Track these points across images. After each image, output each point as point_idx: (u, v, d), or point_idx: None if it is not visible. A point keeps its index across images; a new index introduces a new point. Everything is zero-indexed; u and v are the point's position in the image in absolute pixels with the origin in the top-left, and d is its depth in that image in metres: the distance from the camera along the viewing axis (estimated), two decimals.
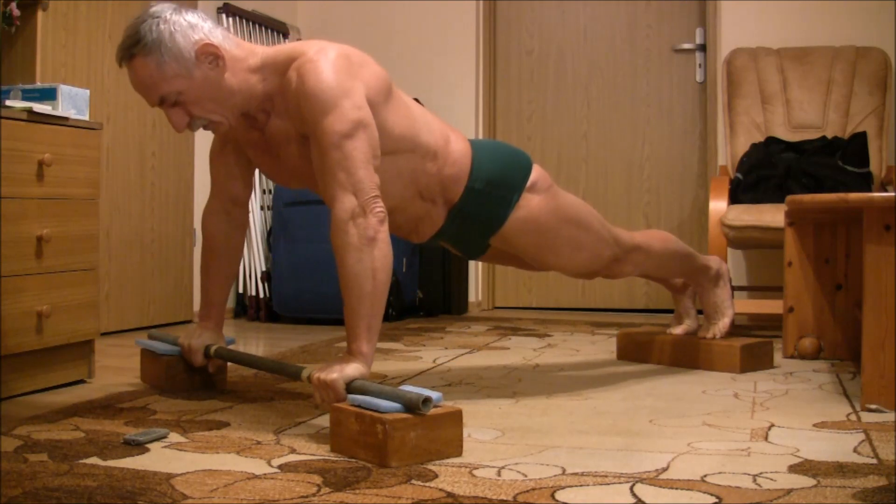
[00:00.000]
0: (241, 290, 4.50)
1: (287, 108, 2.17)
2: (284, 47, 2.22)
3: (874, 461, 1.78)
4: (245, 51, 2.21)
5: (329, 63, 2.10)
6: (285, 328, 4.11)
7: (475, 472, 1.71)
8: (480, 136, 4.83)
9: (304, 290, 4.18)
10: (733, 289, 4.10)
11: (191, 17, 2.14)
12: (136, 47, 2.10)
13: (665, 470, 1.73)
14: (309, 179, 2.25)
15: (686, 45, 4.74)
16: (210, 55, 2.13)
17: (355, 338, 2.04)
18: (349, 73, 2.12)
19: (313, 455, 1.83)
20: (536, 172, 2.45)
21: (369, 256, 2.03)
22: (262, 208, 4.52)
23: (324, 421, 2.09)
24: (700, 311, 2.99)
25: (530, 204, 2.41)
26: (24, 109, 2.42)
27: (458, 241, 2.52)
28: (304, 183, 2.33)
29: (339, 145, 2.05)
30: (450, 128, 2.42)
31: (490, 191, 2.38)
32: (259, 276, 4.41)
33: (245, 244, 2.58)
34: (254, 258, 4.44)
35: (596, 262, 2.58)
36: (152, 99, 2.17)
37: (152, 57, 2.10)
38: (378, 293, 2.05)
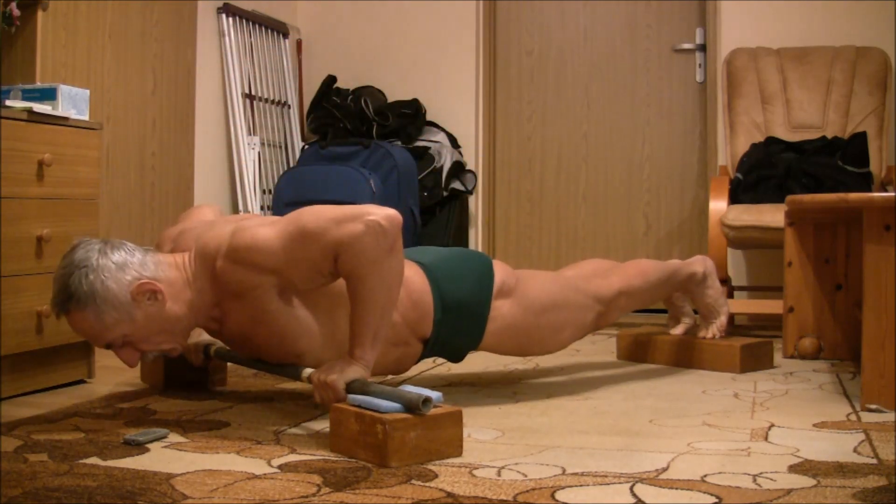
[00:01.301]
0: None
1: (240, 297, 2.05)
2: (198, 250, 2.10)
3: (874, 461, 1.78)
4: (179, 269, 2.10)
5: (241, 228, 2.04)
6: None
7: (475, 472, 1.71)
8: (480, 137, 4.84)
9: None
10: (733, 289, 4.11)
11: (118, 257, 2.02)
12: (69, 303, 1.99)
13: (665, 470, 1.73)
14: (284, 354, 2.16)
15: (686, 45, 4.74)
16: (147, 292, 2.02)
17: (360, 344, 2.03)
18: (262, 221, 2.09)
19: (313, 455, 1.83)
20: (499, 274, 2.41)
21: (388, 269, 2.00)
22: (262, 208, 4.52)
23: (324, 421, 2.09)
24: (695, 311, 2.99)
25: (502, 311, 2.39)
26: (24, 109, 2.42)
27: (443, 356, 2.47)
28: (279, 358, 2.19)
29: (312, 214, 2.00)
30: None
31: (460, 315, 2.33)
32: None
33: None
34: None
35: (581, 331, 2.59)
36: (99, 344, 2.09)
37: (89, 309, 1.99)
38: (390, 306, 2.05)
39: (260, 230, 2.02)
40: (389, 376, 2.70)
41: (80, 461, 1.77)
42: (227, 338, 2.24)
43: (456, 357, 2.50)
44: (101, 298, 1.98)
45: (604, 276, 2.66)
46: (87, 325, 2.02)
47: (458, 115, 4.79)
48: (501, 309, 2.39)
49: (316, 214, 2.01)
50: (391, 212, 2.01)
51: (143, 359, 2.15)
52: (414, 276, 2.29)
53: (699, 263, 2.87)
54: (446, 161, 4.55)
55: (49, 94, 2.56)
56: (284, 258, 2.00)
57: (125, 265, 2.02)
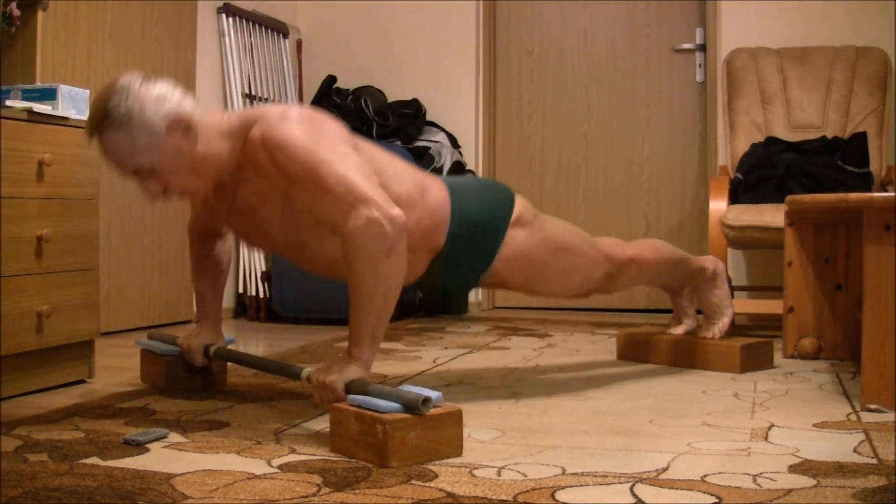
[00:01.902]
0: (241, 290, 4.50)
1: (258, 171, 2.12)
2: (247, 112, 2.18)
3: (874, 461, 1.78)
4: (215, 118, 2.17)
5: (293, 119, 2.09)
6: (285, 328, 4.11)
7: (475, 472, 1.71)
8: (480, 137, 4.84)
9: (304, 290, 4.18)
10: (733, 289, 4.11)
11: (159, 89, 2.08)
12: (105, 123, 2.03)
13: (665, 470, 1.73)
14: (281, 243, 2.22)
15: (686, 45, 4.74)
16: (181, 126, 2.07)
17: (358, 345, 2.04)
18: (313, 126, 2.10)
19: (313, 455, 1.83)
20: (519, 206, 2.42)
21: (385, 270, 2.00)
22: None
23: (324, 421, 2.09)
24: (699, 311, 2.99)
25: (516, 240, 2.39)
26: (24, 109, 2.42)
27: (446, 283, 2.46)
28: (278, 246, 2.28)
29: (331, 170, 2.01)
30: (424, 175, 2.36)
31: (475, 234, 2.34)
32: (259, 276, 4.41)
33: (232, 244, 2.58)
34: (254, 258, 4.44)
35: (589, 284, 2.57)
36: (126, 171, 2.11)
37: (123, 131, 2.03)
38: (388, 307, 2.04)
39: (298, 140, 2.04)
40: (388, 377, 2.70)
41: (80, 461, 1.77)
42: (237, 209, 2.26)
43: (461, 284, 2.47)
44: (136, 122, 2.03)
45: (617, 244, 2.70)
46: (117, 147, 2.06)
47: (458, 115, 4.80)
48: (517, 237, 2.39)
49: (339, 181, 2.00)
50: (396, 212, 2.00)
51: (166, 197, 2.16)
52: (435, 188, 2.32)
53: (710, 261, 2.89)
54: (446, 161, 4.55)
55: (49, 94, 2.55)
56: (297, 184, 2.05)
57: (165, 97, 2.08)
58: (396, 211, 2.00)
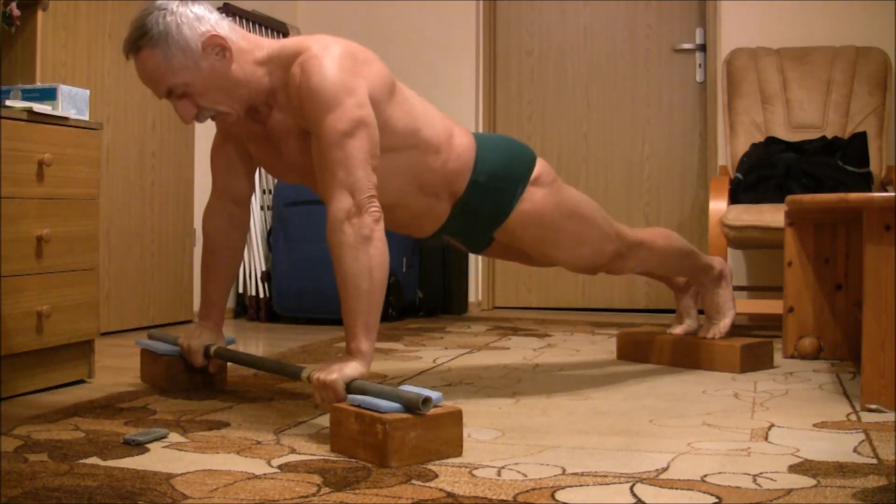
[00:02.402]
0: (241, 290, 4.50)
1: (290, 103, 2.17)
2: (289, 42, 2.23)
3: (874, 461, 1.78)
4: (251, 43, 2.21)
5: (333, 60, 2.10)
6: (285, 328, 4.11)
7: (475, 472, 1.71)
8: None
9: (304, 290, 4.18)
10: (733, 289, 4.11)
11: (197, 9, 2.14)
12: (142, 39, 2.11)
13: (665, 470, 1.73)
14: (307, 175, 2.26)
15: (686, 45, 4.74)
16: (217, 46, 2.13)
17: (353, 336, 2.04)
18: (353, 71, 2.12)
19: (313, 455, 1.83)
20: (540, 166, 2.46)
21: (365, 255, 2.03)
22: (262, 208, 4.52)
23: (324, 421, 2.09)
24: (701, 311, 2.99)
25: (534, 197, 2.42)
26: (24, 109, 2.42)
27: (462, 235, 2.52)
28: (302, 178, 2.33)
29: (340, 144, 2.06)
30: (453, 122, 2.42)
31: (494, 184, 2.38)
32: (259, 275, 4.41)
33: (245, 244, 2.58)
34: (254, 258, 4.44)
35: (599, 257, 2.59)
36: (160, 91, 2.17)
37: (159, 49, 2.10)
38: (375, 291, 2.05)
39: (325, 90, 2.06)
40: (388, 377, 2.70)
41: (80, 461, 1.77)
42: (266, 135, 2.29)
43: (474, 241, 2.54)
44: (173, 40, 2.09)
45: (630, 227, 2.74)
46: (153, 65, 2.11)
47: (458, 115, 4.77)
48: (535, 195, 2.42)
49: (339, 159, 2.05)
50: (374, 207, 2.06)
51: (197, 118, 2.21)
52: (463, 136, 2.38)
53: (718, 262, 2.91)
54: None
55: (49, 94, 2.55)
56: (311, 132, 2.10)
57: (202, 17, 2.14)
58: (375, 205, 2.06)
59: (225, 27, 2.17)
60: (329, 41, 2.16)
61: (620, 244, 2.60)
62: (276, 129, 2.26)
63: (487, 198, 2.39)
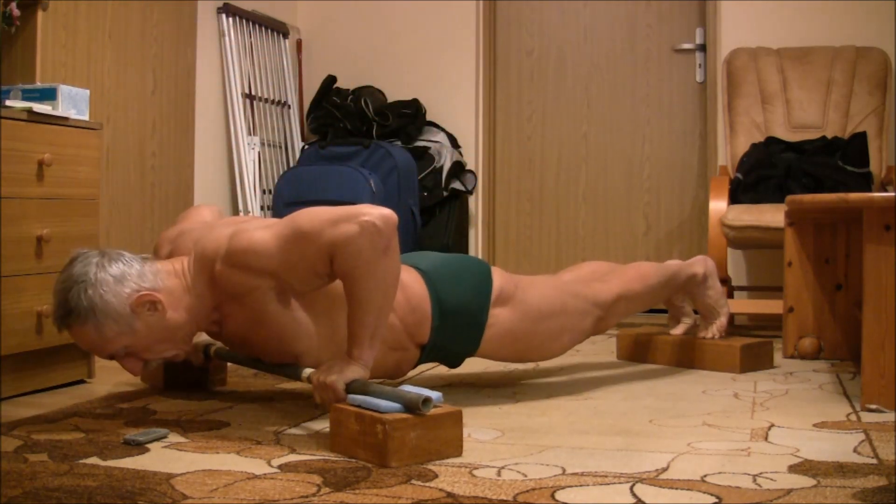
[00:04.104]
0: None
1: (238, 299, 2.06)
2: (198, 253, 2.10)
3: (874, 461, 1.78)
4: (178, 273, 2.10)
5: (237, 234, 2.04)
6: None
7: (475, 472, 1.71)
8: (480, 137, 4.84)
9: None
10: (733, 289, 4.11)
11: (115, 269, 2.02)
12: (69, 318, 2.01)
13: (665, 470, 1.73)
14: (279, 354, 2.17)
15: (686, 45, 4.74)
16: (146, 304, 2.03)
17: (358, 345, 2.03)
18: (260, 230, 2.06)
19: (313, 455, 1.83)
20: (497, 280, 2.41)
21: (382, 270, 1.99)
22: (262, 208, 4.52)
23: (324, 421, 2.09)
24: (695, 311, 2.99)
25: (500, 319, 2.39)
26: (24, 109, 2.42)
27: (441, 362, 2.49)
28: (274, 357, 2.20)
29: (308, 217, 1.99)
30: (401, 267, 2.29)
31: (457, 322, 2.34)
32: None
33: None
34: None
35: (579, 336, 2.59)
36: (103, 356, 2.09)
37: (89, 324, 1.99)
38: (387, 306, 2.04)
39: (256, 233, 2.02)
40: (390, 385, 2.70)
41: (80, 461, 1.77)
42: (227, 339, 2.24)
43: (453, 363, 2.51)
44: (101, 312, 1.99)
45: (603, 279, 2.65)
46: (88, 339, 2.04)
47: (458, 115, 4.79)
48: (500, 316, 2.39)
49: (311, 216, 2.01)
50: (386, 212, 2.00)
51: (145, 367, 2.15)
52: (413, 282, 2.29)
53: (700, 264, 2.87)
54: (446, 161, 4.55)
55: (49, 94, 2.56)
56: (280, 260, 2.00)
57: (123, 277, 2.02)
58: (386, 210, 2.00)
59: (149, 278, 2.04)
60: (208, 229, 2.12)
61: (598, 311, 2.57)
62: (236, 333, 2.18)
63: (454, 336, 2.35)
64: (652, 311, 4.70)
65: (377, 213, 1.98)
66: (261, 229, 2.03)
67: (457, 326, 2.34)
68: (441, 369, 2.90)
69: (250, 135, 4.38)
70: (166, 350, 2.11)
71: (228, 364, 2.57)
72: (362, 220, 1.96)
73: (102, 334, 2.01)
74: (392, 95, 4.85)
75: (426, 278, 2.33)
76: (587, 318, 2.55)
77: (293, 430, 2.05)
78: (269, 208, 4.55)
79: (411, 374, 2.78)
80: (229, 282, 2.04)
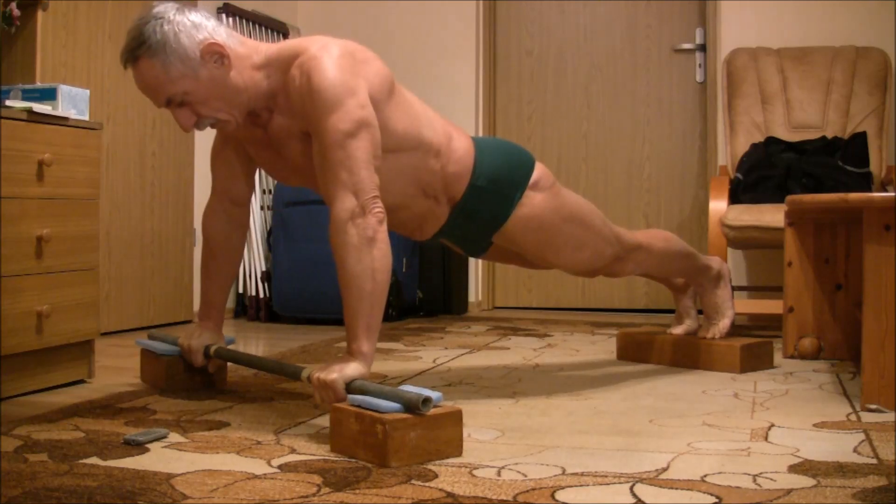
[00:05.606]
0: (241, 290, 4.50)
1: (290, 106, 2.17)
2: (288, 44, 2.22)
3: (874, 461, 1.78)
4: (249, 48, 2.21)
5: (332, 60, 2.10)
6: (285, 328, 4.11)
7: (475, 472, 1.71)
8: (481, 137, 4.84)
9: (304, 290, 4.18)
10: (733, 289, 4.11)
11: (194, 17, 2.13)
12: (140, 49, 2.09)
13: (665, 470, 1.73)
14: (309, 178, 2.25)
15: (686, 45, 4.74)
16: (215, 54, 2.12)
17: (355, 337, 2.04)
18: (352, 71, 2.11)
19: (313, 455, 1.83)
20: (539, 170, 2.45)
21: (369, 256, 2.03)
22: (262, 208, 4.52)
23: (324, 421, 2.09)
24: (700, 312, 2.99)
25: (533, 202, 2.42)
26: (24, 109, 2.42)
27: (460, 239, 2.52)
28: (304, 180, 2.32)
29: (342, 144, 2.05)
30: (453, 126, 2.41)
31: (493, 188, 2.38)
32: (259, 276, 4.41)
33: (245, 244, 2.58)
34: (254, 258, 4.44)
35: (598, 261, 2.59)
36: (159, 100, 2.16)
37: (157, 58, 2.09)
38: (378, 293, 2.05)
39: (326, 88, 2.06)
40: (388, 377, 2.70)
41: (80, 461, 1.77)
42: (267, 140, 2.29)
43: (473, 245, 2.54)
44: (171, 49, 2.08)
45: (630, 230, 2.74)
46: (151, 75, 2.11)
47: (458, 114, 4.79)
48: (533, 199, 2.42)
49: (342, 159, 2.05)
50: (377, 208, 2.05)
51: (197, 126, 2.21)
52: (462, 140, 2.38)
53: (716, 262, 2.91)
54: None
55: (49, 94, 2.55)
56: (312, 132, 2.10)
57: (200, 25, 2.13)
58: (378, 206, 2.06)
59: (222, 34, 2.15)
60: (327, 41, 2.16)
61: (619, 247, 2.60)
62: (276, 133, 2.25)
63: (486, 202, 2.39)
64: (652, 311, 4.72)
65: (369, 206, 2.04)
66: (334, 96, 2.06)
67: (491, 193, 2.38)
68: (441, 369, 2.90)
69: None
70: (220, 110, 2.17)
71: (228, 364, 2.57)
72: (354, 206, 2.03)
73: (168, 72, 2.09)
74: None
75: (475, 142, 2.42)
76: (609, 247, 2.58)
77: (293, 430, 2.05)
78: (269, 208, 4.55)
79: (411, 373, 2.79)
80: (292, 88, 2.12)
